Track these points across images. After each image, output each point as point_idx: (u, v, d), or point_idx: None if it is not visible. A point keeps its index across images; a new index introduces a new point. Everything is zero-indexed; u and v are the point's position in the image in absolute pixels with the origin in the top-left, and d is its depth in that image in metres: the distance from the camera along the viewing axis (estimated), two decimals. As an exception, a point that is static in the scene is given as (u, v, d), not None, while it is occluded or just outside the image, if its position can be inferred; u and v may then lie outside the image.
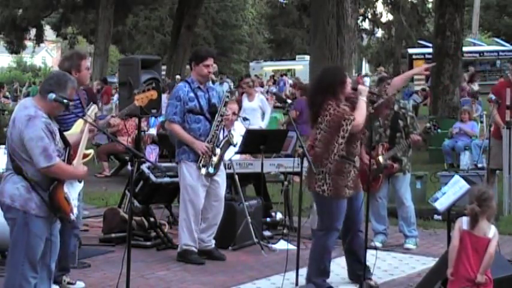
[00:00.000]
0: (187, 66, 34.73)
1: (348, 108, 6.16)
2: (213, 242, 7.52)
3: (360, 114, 6.14)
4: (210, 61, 7.29)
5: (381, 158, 7.83)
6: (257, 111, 13.08)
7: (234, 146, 7.62)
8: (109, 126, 6.94)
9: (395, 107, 7.96)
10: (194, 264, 7.23)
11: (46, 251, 5.14)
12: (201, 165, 7.18)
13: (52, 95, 5.07)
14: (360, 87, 6.30)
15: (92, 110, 6.11)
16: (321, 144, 6.13)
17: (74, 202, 5.13)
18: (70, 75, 5.36)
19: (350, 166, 6.20)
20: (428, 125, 8.11)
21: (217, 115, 7.27)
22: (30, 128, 4.88)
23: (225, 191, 7.57)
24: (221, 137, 7.35)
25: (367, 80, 35.48)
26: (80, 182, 5.35)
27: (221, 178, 7.43)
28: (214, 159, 7.24)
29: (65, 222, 5.14)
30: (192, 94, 7.24)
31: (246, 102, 13.29)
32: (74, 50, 7.42)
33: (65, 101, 5.27)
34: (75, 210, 5.14)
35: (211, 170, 7.23)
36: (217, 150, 7.27)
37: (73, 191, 5.14)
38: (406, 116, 7.95)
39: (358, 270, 6.48)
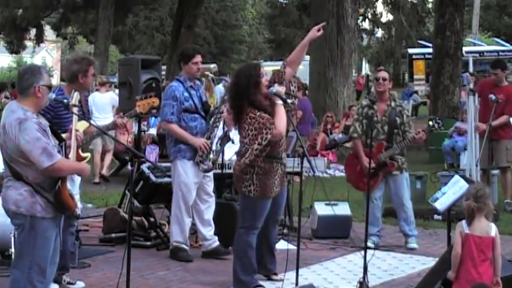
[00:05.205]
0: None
1: (268, 113, 6.05)
2: (216, 238, 7.52)
3: (280, 121, 6.03)
4: (198, 58, 7.34)
5: (381, 157, 7.81)
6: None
7: (233, 142, 7.63)
8: (116, 127, 6.92)
9: (392, 104, 7.93)
10: (183, 261, 7.29)
11: (56, 249, 5.13)
12: (199, 161, 7.24)
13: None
14: (277, 89, 6.05)
15: (76, 97, 5.90)
16: (244, 148, 6.14)
17: (77, 197, 5.15)
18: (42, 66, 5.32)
19: (278, 165, 6.22)
20: (431, 123, 8.00)
21: (216, 113, 7.34)
22: (24, 132, 4.80)
23: (225, 191, 7.57)
24: (219, 134, 7.39)
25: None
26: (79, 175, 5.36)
27: (211, 174, 7.53)
28: (211, 155, 7.31)
29: (72, 218, 5.14)
30: (186, 94, 7.31)
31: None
32: (83, 55, 7.36)
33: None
34: (79, 204, 5.15)
35: (209, 165, 7.30)
36: (215, 147, 7.34)
37: (74, 186, 5.15)
38: (403, 114, 7.93)
39: (269, 264, 6.54)
